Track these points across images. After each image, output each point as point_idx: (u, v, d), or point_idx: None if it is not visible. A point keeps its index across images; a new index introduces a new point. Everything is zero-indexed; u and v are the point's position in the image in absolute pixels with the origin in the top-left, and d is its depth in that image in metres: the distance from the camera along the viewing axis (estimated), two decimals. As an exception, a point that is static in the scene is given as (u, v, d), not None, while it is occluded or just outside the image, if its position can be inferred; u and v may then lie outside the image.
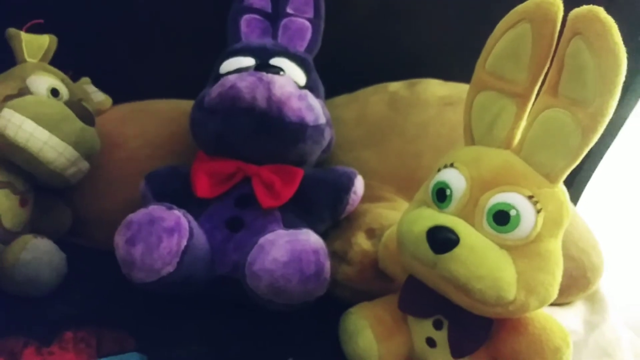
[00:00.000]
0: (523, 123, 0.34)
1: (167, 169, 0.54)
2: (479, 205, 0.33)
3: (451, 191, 0.34)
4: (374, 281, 0.49)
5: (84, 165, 0.53)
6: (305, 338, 0.48)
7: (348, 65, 0.72)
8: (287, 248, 0.43)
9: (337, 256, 0.51)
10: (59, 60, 0.61)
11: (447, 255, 0.31)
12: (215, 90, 0.49)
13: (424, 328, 0.40)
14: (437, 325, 0.39)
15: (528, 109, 0.34)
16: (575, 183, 0.85)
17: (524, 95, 0.34)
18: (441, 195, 0.35)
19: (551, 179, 0.32)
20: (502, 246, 0.32)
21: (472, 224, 0.33)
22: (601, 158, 0.83)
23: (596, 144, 0.84)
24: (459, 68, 0.67)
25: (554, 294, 0.32)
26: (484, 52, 0.35)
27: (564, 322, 0.36)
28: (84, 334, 0.45)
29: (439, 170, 0.36)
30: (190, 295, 0.47)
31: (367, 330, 0.41)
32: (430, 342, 0.40)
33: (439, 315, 0.39)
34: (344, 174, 0.52)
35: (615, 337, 0.54)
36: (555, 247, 0.32)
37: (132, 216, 0.44)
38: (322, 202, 0.51)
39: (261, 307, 0.45)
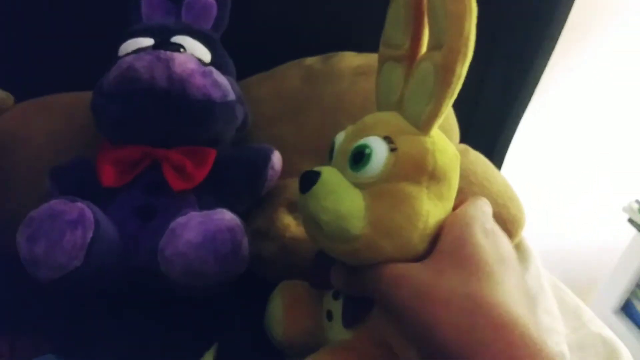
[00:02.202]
0: None
1: (71, 162, 0.51)
2: (345, 152, 0.33)
3: (334, 145, 0.36)
4: (299, 255, 0.49)
5: (-20, 166, 0.50)
6: (232, 321, 0.47)
7: (265, 44, 0.71)
8: (200, 229, 0.41)
9: (260, 234, 0.50)
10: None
11: (308, 192, 0.32)
12: (112, 74, 0.46)
13: (326, 301, 0.41)
14: (336, 296, 0.39)
15: None
16: (498, 145, 0.88)
17: (409, 57, 0.34)
18: (331, 152, 0.36)
19: (421, 127, 0.32)
20: (357, 185, 0.32)
21: (342, 172, 0.33)
22: (519, 120, 0.86)
23: (513, 106, 0.86)
24: (376, 40, 0.68)
25: (412, 242, 0.31)
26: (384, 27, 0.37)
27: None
28: (-5, 343, 0.42)
29: None
30: (106, 291, 0.45)
31: (277, 298, 0.42)
32: (329, 315, 0.40)
33: None
34: (260, 150, 0.51)
35: (539, 285, 0.56)
36: (414, 194, 0.31)
37: (32, 213, 0.41)
38: (238, 180, 0.50)
39: (182, 295, 0.44)
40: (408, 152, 0.31)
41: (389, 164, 0.31)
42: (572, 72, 0.90)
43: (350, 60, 0.64)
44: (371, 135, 0.32)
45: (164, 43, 0.50)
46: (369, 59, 0.64)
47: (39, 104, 0.63)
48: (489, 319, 0.25)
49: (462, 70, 0.29)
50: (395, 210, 0.31)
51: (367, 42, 0.69)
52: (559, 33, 0.77)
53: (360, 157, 0.32)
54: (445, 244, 0.30)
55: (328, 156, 0.37)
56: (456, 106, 0.70)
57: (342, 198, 0.31)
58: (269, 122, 0.61)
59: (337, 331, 0.38)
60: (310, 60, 0.65)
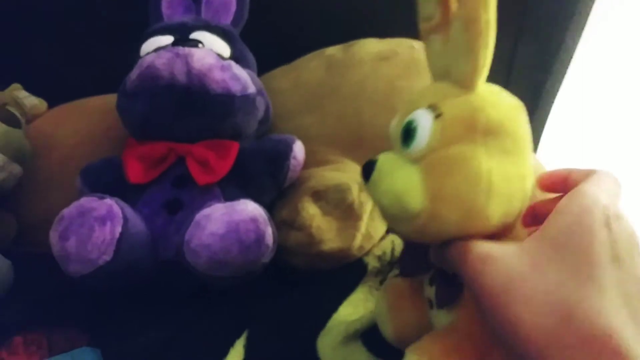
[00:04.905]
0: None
1: (101, 161, 0.53)
2: (397, 133, 0.32)
3: (391, 133, 0.34)
4: (326, 244, 0.49)
5: (16, 169, 0.52)
6: (262, 309, 0.47)
7: (286, 37, 0.71)
8: (223, 220, 0.42)
9: (286, 224, 0.50)
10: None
11: (369, 181, 0.32)
12: (134, 73, 0.47)
13: (425, 289, 0.38)
14: (432, 282, 0.37)
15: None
16: (532, 126, 0.85)
17: (442, 25, 0.32)
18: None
19: (465, 85, 0.30)
20: (413, 162, 0.31)
21: (399, 154, 0.32)
22: (553, 99, 0.83)
23: (546, 84, 0.83)
24: (399, 25, 0.67)
25: (477, 206, 0.29)
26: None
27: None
28: (34, 336, 0.44)
29: None
30: (139, 285, 0.46)
31: (381, 298, 0.41)
32: (431, 303, 0.37)
33: (433, 271, 0.37)
34: (281, 140, 0.51)
35: None
36: (469, 153, 0.29)
37: (63, 211, 0.43)
38: (261, 172, 0.50)
39: (210, 285, 0.45)
40: (454, 114, 0.30)
41: (436, 131, 0.30)
42: (609, 45, 0.86)
43: (372, 46, 0.63)
44: (417, 109, 0.31)
45: (182, 40, 0.51)
46: (391, 44, 0.63)
47: (70, 107, 0.65)
48: (580, 330, 0.23)
49: (489, 16, 0.28)
50: (451, 176, 0.29)
51: (389, 28, 0.69)
52: (592, 4, 0.74)
53: (408, 133, 0.31)
54: (553, 230, 0.26)
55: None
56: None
57: (396, 177, 0.31)
58: (292, 114, 0.61)
59: (441, 317, 0.36)
60: (331, 50, 0.65)
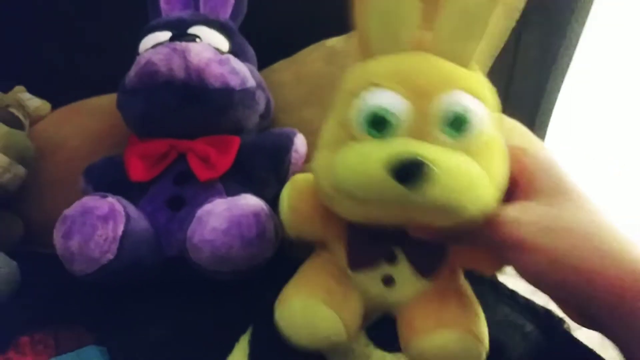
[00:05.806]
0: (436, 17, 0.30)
1: (103, 160, 0.53)
2: (430, 116, 0.29)
3: (392, 114, 0.29)
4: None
5: (19, 170, 0.52)
6: (267, 305, 0.47)
7: (285, 30, 0.70)
8: (225, 215, 0.42)
9: (290, 218, 0.50)
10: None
11: (424, 184, 0.27)
12: (133, 70, 0.47)
13: (377, 269, 0.37)
14: (391, 260, 0.37)
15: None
16: (539, 117, 0.84)
17: None
18: (379, 123, 0.30)
19: (466, 63, 0.30)
20: (462, 151, 0.29)
21: (426, 140, 0.29)
22: (559, 88, 0.82)
23: (551, 72, 0.81)
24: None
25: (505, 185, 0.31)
26: None
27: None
28: (41, 336, 0.44)
29: (355, 96, 0.31)
30: (144, 282, 0.46)
31: (321, 306, 0.36)
32: (387, 281, 0.37)
33: (391, 248, 0.36)
34: (282, 134, 0.51)
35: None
36: (498, 135, 0.31)
37: (66, 211, 0.43)
38: (263, 166, 0.50)
39: (214, 281, 0.45)
40: (490, 99, 0.30)
41: (485, 121, 0.29)
42: (615, 30, 0.84)
43: (373, 36, 0.63)
44: (455, 89, 0.29)
45: (180, 35, 0.50)
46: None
47: (73, 108, 0.66)
48: (608, 244, 0.26)
49: None
50: (496, 160, 0.30)
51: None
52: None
53: (460, 121, 0.29)
54: (543, 185, 0.29)
55: (369, 127, 0.30)
56: (490, 77, 0.68)
57: (475, 176, 0.28)
58: (294, 107, 0.61)
59: (405, 290, 0.36)
60: (332, 41, 0.64)
